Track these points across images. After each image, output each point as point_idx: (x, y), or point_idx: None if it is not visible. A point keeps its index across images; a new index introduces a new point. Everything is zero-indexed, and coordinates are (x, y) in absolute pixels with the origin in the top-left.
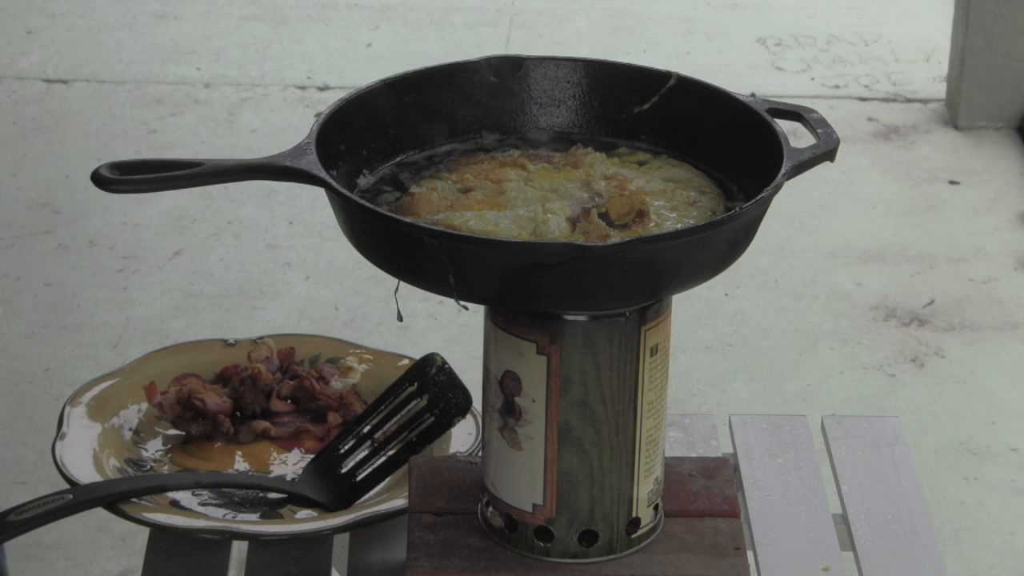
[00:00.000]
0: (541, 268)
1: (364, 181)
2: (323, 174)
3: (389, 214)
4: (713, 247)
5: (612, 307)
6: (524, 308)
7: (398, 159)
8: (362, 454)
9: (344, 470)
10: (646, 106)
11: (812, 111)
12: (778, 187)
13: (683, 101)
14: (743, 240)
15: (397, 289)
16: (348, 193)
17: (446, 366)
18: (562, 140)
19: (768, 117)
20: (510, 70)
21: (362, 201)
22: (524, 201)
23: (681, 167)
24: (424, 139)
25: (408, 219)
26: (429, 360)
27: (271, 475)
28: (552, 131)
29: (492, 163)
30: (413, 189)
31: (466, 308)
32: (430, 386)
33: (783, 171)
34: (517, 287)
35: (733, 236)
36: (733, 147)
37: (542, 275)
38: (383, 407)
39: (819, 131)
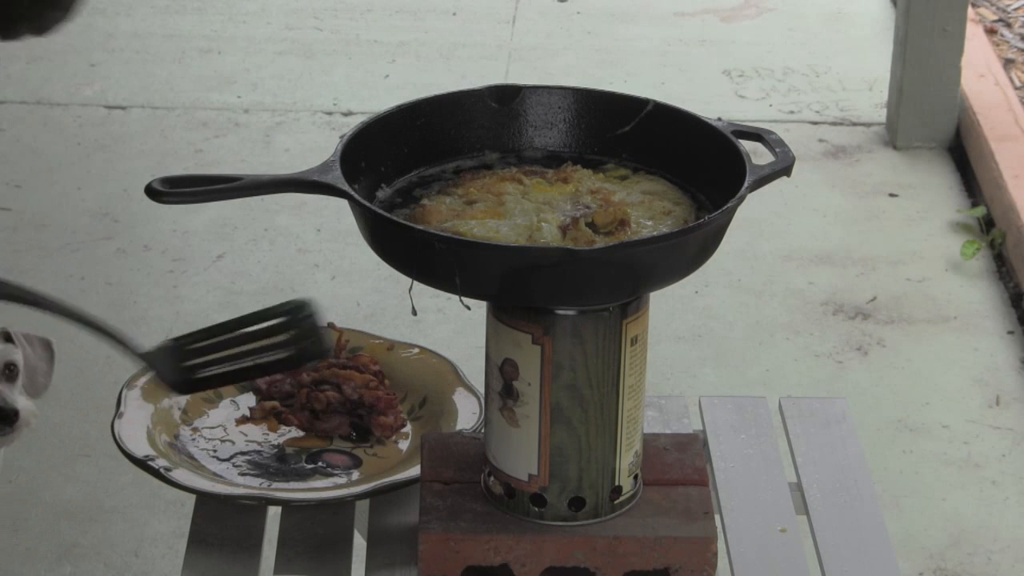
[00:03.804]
0: (536, 269)
1: (382, 193)
2: (346, 187)
3: (404, 222)
4: (685, 250)
5: (598, 303)
6: (521, 304)
7: (412, 174)
8: (211, 356)
9: (189, 363)
10: (627, 128)
11: (771, 133)
12: (742, 199)
13: (659, 124)
14: (711, 245)
15: (411, 288)
16: (368, 204)
17: (314, 314)
18: (554, 158)
19: (733, 138)
20: (509, 97)
21: (381, 211)
22: (521, 212)
23: (657, 181)
24: (435, 157)
25: (420, 226)
26: (303, 304)
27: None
28: (546, 150)
29: (493, 178)
30: (424, 201)
31: (468, 308)
32: (294, 324)
33: (746, 184)
34: (515, 286)
35: (703, 241)
36: (702, 164)
37: (537, 275)
38: (247, 324)
39: (777, 150)
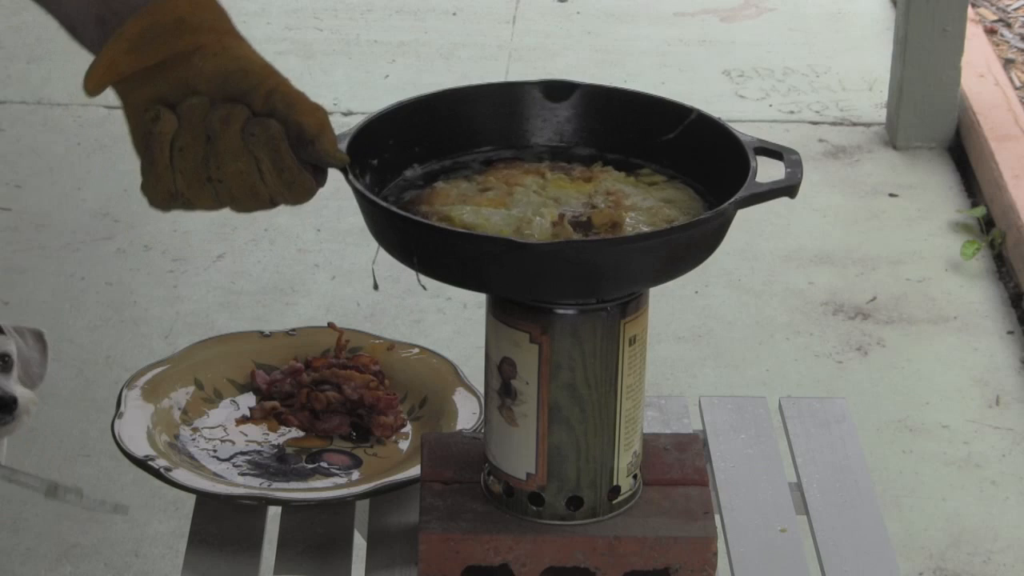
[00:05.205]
0: (482, 256)
1: (411, 172)
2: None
3: (372, 197)
4: (636, 257)
5: (549, 298)
6: (476, 290)
7: (448, 159)
8: None
9: None
10: (672, 135)
11: (793, 152)
12: (721, 213)
13: (697, 134)
14: (676, 256)
15: (375, 260)
16: (354, 179)
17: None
18: (598, 159)
19: (750, 153)
20: (563, 93)
21: (359, 186)
22: (526, 204)
23: (683, 191)
24: (474, 144)
25: (383, 203)
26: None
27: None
28: (591, 149)
29: (519, 170)
30: (439, 183)
31: (424, 288)
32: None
33: (732, 200)
34: (468, 271)
35: (658, 250)
36: (724, 176)
37: (485, 263)
38: None
39: (788, 171)
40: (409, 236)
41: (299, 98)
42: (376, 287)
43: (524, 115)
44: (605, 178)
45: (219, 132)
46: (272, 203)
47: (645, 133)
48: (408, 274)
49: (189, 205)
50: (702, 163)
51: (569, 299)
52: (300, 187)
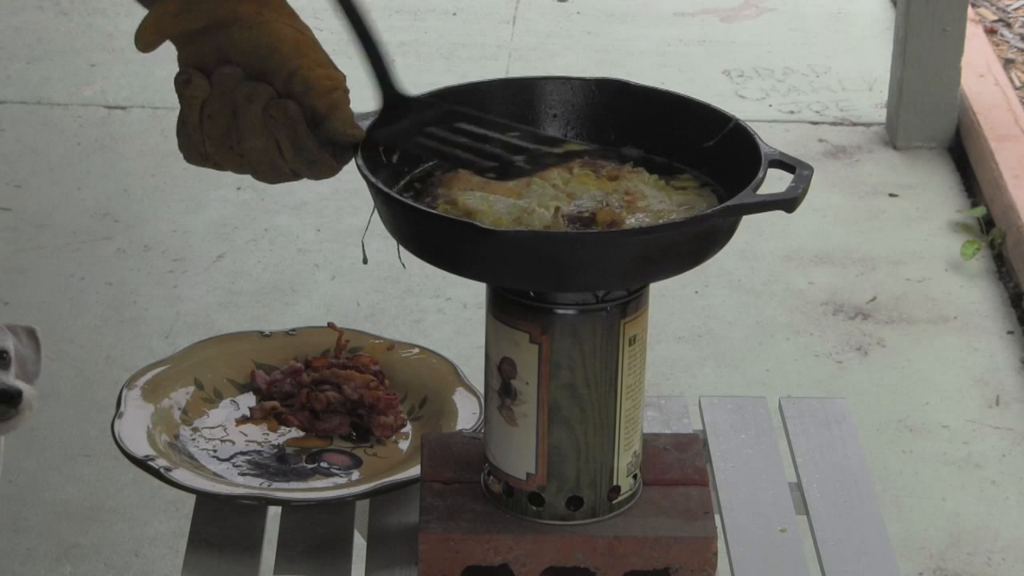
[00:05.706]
0: (452, 239)
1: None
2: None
3: (365, 171)
4: (593, 257)
5: (512, 285)
6: (452, 272)
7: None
8: (451, 137)
9: (429, 128)
10: (711, 143)
11: (807, 168)
12: (696, 221)
13: (732, 143)
14: (645, 259)
15: (365, 231)
16: (356, 155)
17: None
18: (644, 160)
19: (764, 165)
20: (614, 91)
21: (358, 161)
22: (538, 196)
23: (707, 198)
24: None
25: (372, 177)
26: (558, 141)
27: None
28: (639, 150)
29: None
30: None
31: (404, 266)
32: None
33: (711, 209)
34: (441, 251)
35: (614, 252)
36: (741, 185)
37: (456, 245)
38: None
39: (791, 184)
40: (391, 211)
41: (317, 80)
42: (365, 261)
43: (574, 111)
44: (632, 178)
45: (242, 109)
46: (296, 176)
47: (689, 139)
48: (407, 274)
49: (219, 167)
50: (729, 172)
51: (535, 289)
52: (320, 165)
